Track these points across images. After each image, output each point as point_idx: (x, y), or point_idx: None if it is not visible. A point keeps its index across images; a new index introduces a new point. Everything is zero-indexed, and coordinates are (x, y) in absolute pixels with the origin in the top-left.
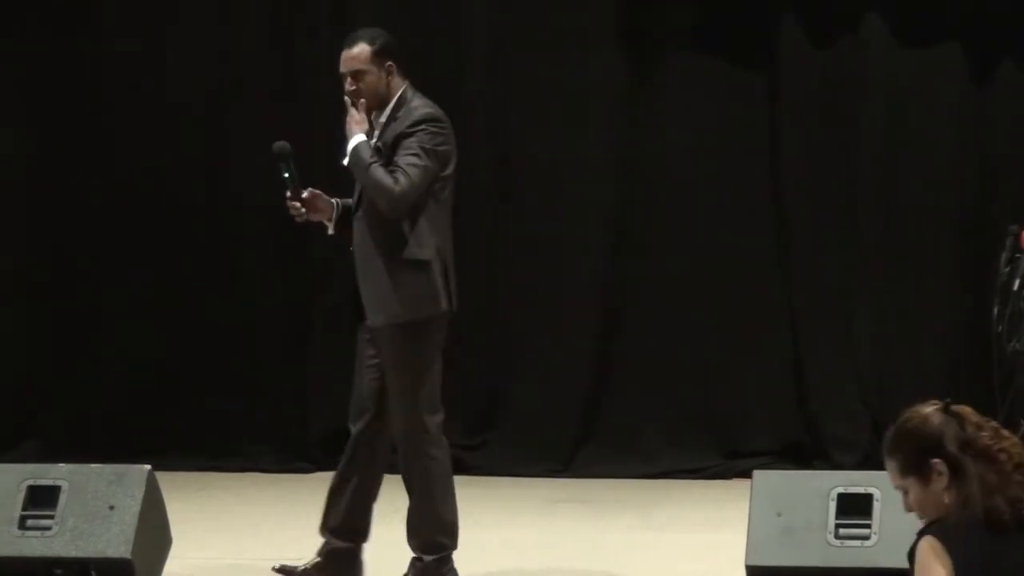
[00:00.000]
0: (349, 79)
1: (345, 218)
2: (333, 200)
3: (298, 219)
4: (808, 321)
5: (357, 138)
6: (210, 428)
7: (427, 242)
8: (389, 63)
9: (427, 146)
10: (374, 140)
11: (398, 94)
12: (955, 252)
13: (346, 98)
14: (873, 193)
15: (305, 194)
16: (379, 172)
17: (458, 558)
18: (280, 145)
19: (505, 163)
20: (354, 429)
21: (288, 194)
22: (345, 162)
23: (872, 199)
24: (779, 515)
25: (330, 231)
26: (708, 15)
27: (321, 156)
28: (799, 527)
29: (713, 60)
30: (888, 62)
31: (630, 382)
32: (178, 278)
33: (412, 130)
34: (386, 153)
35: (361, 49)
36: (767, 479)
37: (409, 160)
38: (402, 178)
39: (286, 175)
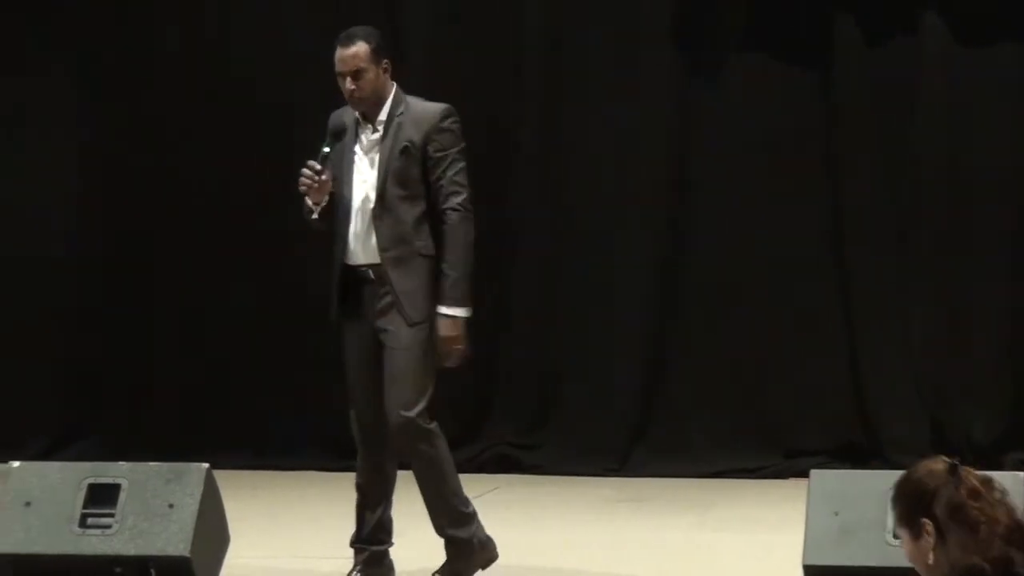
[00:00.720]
0: (349, 79)
1: (328, 209)
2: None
3: (303, 187)
4: (865, 320)
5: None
6: (264, 427)
7: (432, 240)
8: (385, 61)
9: (461, 145)
10: (377, 135)
11: (393, 91)
12: (1013, 252)
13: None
14: (931, 193)
15: (324, 175)
16: (469, 233)
17: (516, 557)
18: (338, 123)
19: (557, 163)
20: (368, 434)
21: (317, 163)
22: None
23: (930, 199)
24: (837, 514)
25: (315, 215)
26: (763, 14)
27: None
28: (857, 527)
29: (768, 60)
30: (946, 61)
31: (686, 381)
32: (232, 277)
33: (444, 126)
34: (416, 152)
35: (360, 47)
36: (824, 478)
37: (454, 171)
38: (463, 201)
39: (326, 149)
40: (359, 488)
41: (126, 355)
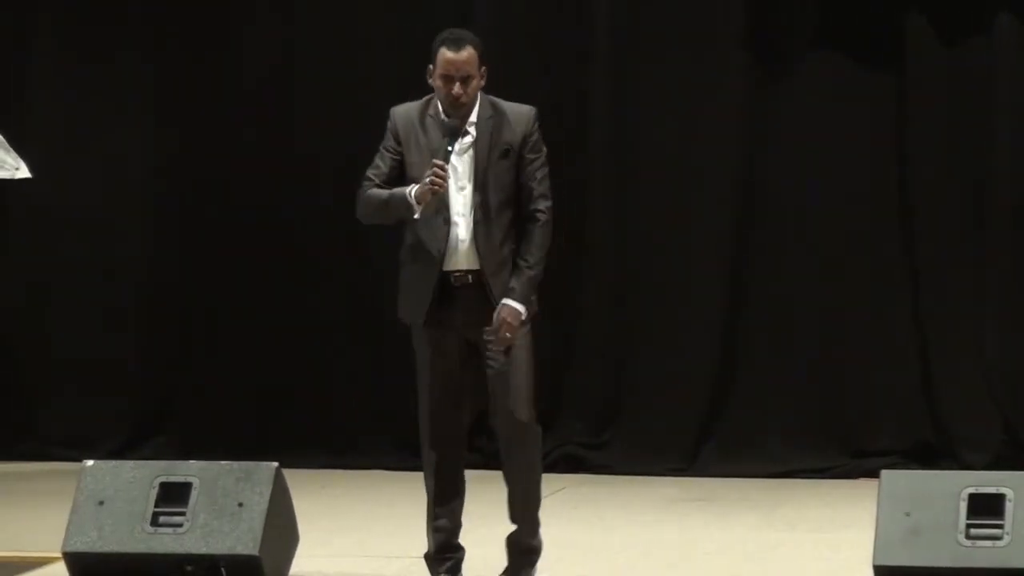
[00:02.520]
0: (458, 83)
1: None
2: None
3: (436, 187)
4: (937, 319)
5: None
6: (332, 426)
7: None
8: (483, 68)
9: (545, 149)
10: (469, 138)
11: (479, 95)
12: None
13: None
14: (1003, 192)
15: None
16: (549, 238)
17: (582, 557)
18: (454, 122)
19: (629, 163)
20: (447, 439)
21: (441, 162)
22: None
23: (1002, 198)
24: (907, 515)
25: (416, 215)
26: (835, 13)
27: None
28: (928, 527)
29: (840, 59)
30: (1019, 61)
31: (754, 380)
32: (302, 277)
33: (536, 128)
34: (514, 155)
35: (471, 53)
36: (895, 479)
37: (543, 175)
38: (550, 207)
39: (449, 148)
40: (437, 497)
41: (198, 355)
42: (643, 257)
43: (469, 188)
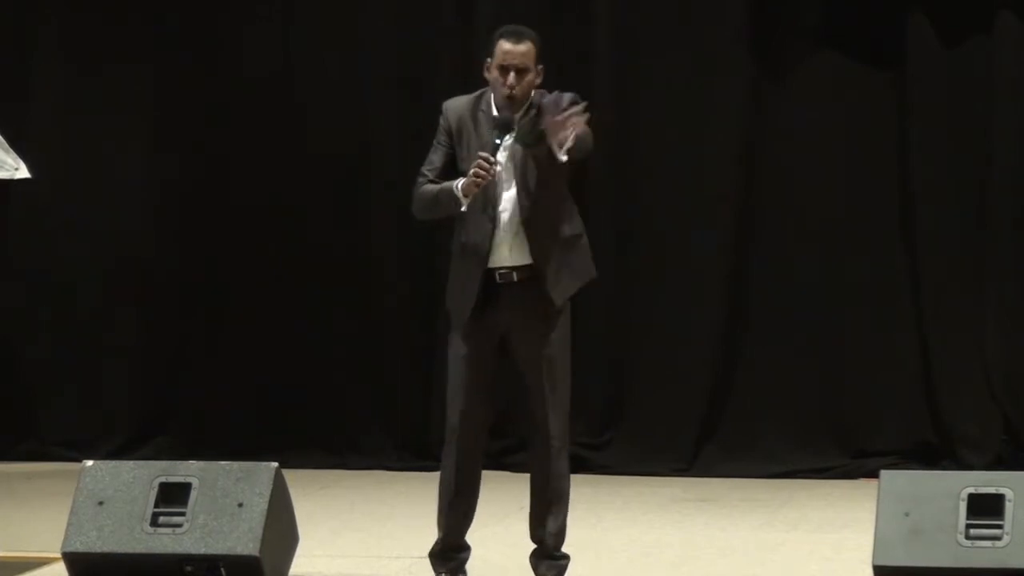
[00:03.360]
0: (513, 74)
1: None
2: None
3: (481, 180)
4: (936, 320)
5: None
6: (332, 426)
7: (578, 218)
8: (540, 67)
9: None
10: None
11: (533, 92)
12: None
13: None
14: (1003, 192)
15: (497, 167)
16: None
17: (583, 557)
18: (505, 116)
19: (630, 161)
20: (473, 437)
21: (487, 155)
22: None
23: (1002, 198)
24: (907, 515)
25: (463, 208)
26: (835, 13)
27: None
28: (928, 527)
29: (840, 59)
30: (1020, 60)
31: (755, 380)
32: (303, 277)
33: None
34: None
35: (529, 47)
36: (895, 479)
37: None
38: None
39: (497, 141)
40: (457, 491)
41: (198, 355)
42: (643, 257)
43: (514, 184)
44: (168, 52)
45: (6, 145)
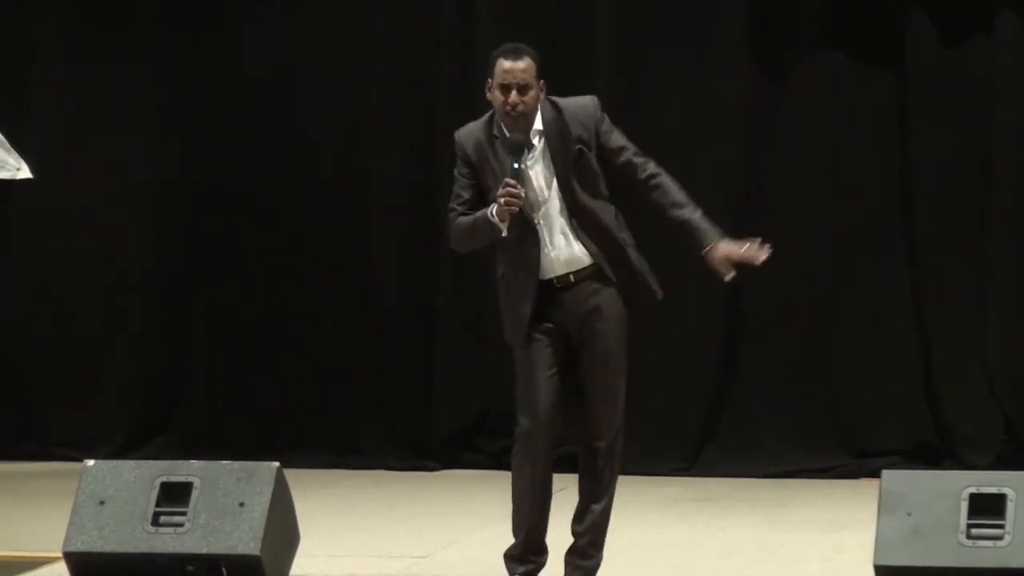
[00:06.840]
0: (515, 92)
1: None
2: None
3: (512, 207)
4: (938, 319)
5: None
6: (333, 426)
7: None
8: (542, 81)
9: (615, 127)
10: (537, 148)
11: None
12: None
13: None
14: (1004, 193)
15: (522, 191)
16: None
17: None
18: (516, 138)
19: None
20: (545, 447)
21: (512, 180)
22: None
23: (1004, 198)
24: (909, 515)
25: (504, 233)
26: (835, 13)
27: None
28: (929, 527)
29: (840, 59)
30: (1020, 60)
31: (756, 380)
32: (303, 277)
33: (602, 114)
34: (591, 149)
35: (528, 63)
36: (896, 479)
37: (625, 141)
38: (647, 156)
39: (516, 166)
40: (534, 492)
41: (198, 355)
42: (643, 256)
43: (552, 195)
44: (168, 52)
45: (8, 145)
